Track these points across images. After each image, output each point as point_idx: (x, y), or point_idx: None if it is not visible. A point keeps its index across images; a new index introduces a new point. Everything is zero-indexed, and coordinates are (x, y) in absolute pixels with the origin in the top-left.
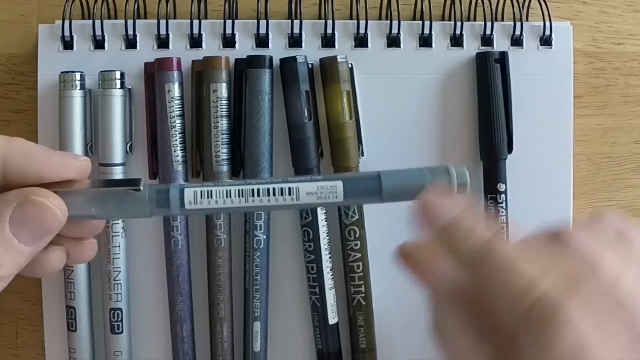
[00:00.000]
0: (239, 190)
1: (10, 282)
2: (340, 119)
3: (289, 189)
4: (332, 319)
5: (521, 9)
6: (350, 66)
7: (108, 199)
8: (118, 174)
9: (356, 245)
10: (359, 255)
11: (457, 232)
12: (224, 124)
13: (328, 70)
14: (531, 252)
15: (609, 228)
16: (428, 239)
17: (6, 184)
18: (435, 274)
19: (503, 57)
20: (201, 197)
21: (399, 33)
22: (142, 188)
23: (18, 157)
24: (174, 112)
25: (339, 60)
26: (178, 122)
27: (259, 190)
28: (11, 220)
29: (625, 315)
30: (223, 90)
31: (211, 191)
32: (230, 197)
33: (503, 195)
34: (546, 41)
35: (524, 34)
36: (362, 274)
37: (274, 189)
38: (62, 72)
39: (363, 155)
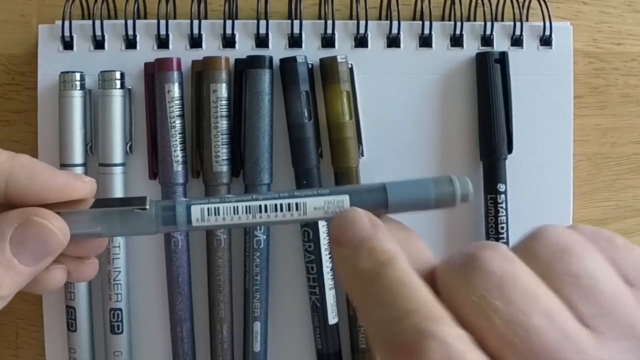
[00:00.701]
0: (246, 207)
1: (9, 301)
2: (340, 119)
3: (296, 204)
4: (332, 319)
5: (521, 9)
6: (350, 66)
7: (113, 217)
8: (118, 173)
9: None
10: None
11: (352, 255)
12: (223, 124)
13: (328, 70)
14: (421, 282)
15: (547, 248)
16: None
17: (8, 202)
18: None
19: (503, 57)
20: (208, 214)
21: (398, 33)
22: (147, 207)
23: (21, 175)
24: (173, 112)
25: (339, 60)
26: (178, 122)
27: (266, 206)
28: (11, 240)
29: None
30: (223, 90)
31: (218, 208)
32: (238, 213)
33: (503, 195)
34: (546, 41)
35: (523, 34)
36: None
37: (281, 205)
38: (61, 72)
39: (363, 155)
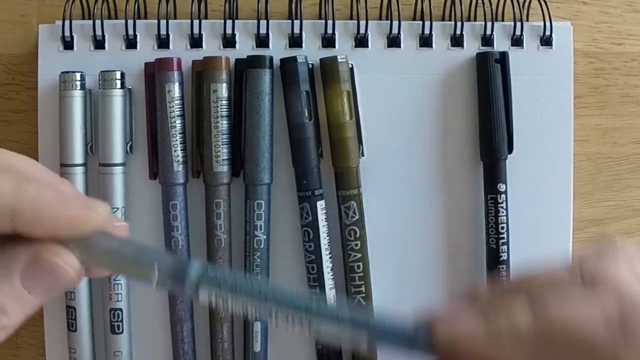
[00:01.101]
0: (256, 307)
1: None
2: (340, 119)
3: (309, 322)
4: None
5: (521, 8)
6: (350, 66)
7: (122, 264)
8: (118, 173)
9: (356, 245)
10: (359, 255)
11: (501, 331)
12: (224, 123)
13: (328, 70)
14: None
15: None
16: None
17: (17, 232)
18: None
19: (503, 57)
20: (215, 300)
21: (399, 33)
22: (153, 279)
23: (27, 209)
24: (174, 112)
25: (339, 60)
26: (178, 122)
27: (276, 313)
28: (22, 274)
29: None
30: (223, 90)
31: (227, 297)
32: (246, 309)
33: (503, 195)
34: (546, 41)
35: (524, 33)
36: (362, 274)
37: (294, 320)
38: (62, 72)
39: (363, 156)
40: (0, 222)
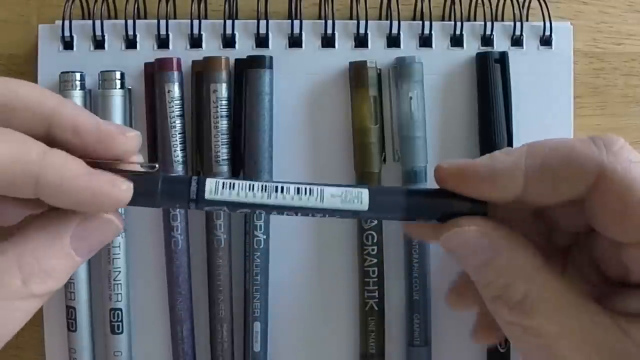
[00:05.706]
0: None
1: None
2: (366, 124)
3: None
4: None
5: (521, 8)
6: (378, 72)
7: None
8: None
9: (373, 250)
10: (375, 260)
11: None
12: (223, 124)
13: (357, 74)
14: None
15: None
16: None
17: (40, 199)
18: None
19: (503, 57)
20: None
21: (398, 33)
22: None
23: (53, 179)
24: (173, 112)
25: (369, 65)
26: (178, 122)
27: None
28: (72, 236)
29: None
30: (223, 90)
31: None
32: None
33: None
34: (546, 41)
35: (523, 33)
36: (376, 279)
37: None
38: (62, 72)
39: (385, 162)
40: (25, 189)
